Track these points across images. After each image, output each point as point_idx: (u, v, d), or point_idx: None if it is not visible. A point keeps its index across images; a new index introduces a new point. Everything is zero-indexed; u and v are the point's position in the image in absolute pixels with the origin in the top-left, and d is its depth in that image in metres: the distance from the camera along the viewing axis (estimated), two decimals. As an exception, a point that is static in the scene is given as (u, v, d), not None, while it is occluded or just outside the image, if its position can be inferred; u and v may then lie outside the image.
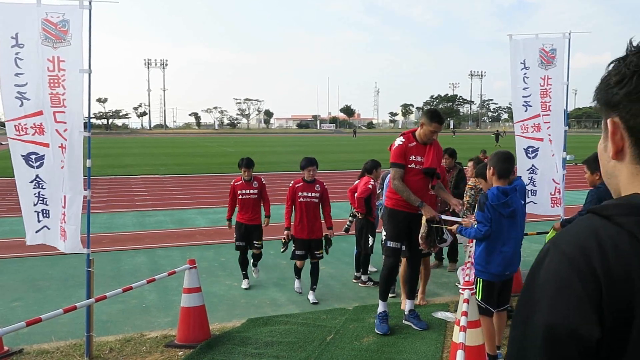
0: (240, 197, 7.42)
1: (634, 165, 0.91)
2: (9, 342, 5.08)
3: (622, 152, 0.92)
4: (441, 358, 4.77)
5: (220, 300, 6.74)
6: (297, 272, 7.14)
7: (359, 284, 7.38)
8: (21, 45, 4.51)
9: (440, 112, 5.57)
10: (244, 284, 7.37)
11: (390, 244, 5.48)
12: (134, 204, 14.84)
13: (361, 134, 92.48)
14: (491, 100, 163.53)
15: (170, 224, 12.03)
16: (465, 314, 3.72)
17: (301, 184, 6.90)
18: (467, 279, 4.63)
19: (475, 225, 4.50)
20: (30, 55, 4.50)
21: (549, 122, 6.15)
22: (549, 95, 6.11)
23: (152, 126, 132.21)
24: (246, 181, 7.49)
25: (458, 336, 3.51)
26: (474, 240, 4.73)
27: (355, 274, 7.60)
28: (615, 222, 0.84)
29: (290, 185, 6.98)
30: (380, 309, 5.50)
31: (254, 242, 7.45)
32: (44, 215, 4.72)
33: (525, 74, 6.14)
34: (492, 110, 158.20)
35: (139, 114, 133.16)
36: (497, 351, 4.58)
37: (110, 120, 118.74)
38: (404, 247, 5.61)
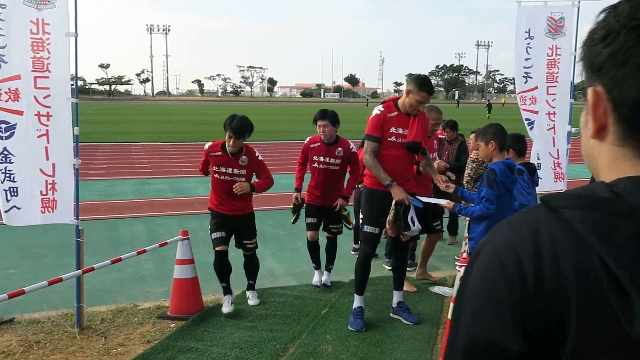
0: (216, 176, 5.03)
1: (616, 147, 0.72)
2: (2, 310, 5.04)
3: (605, 130, 0.73)
4: (437, 334, 4.72)
5: (217, 270, 6.69)
6: (313, 250, 5.79)
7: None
8: (3, 6, 4.32)
9: (431, 81, 4.70)
10: (226, 305, 5.01)
11: (367, 228, 4.71)
12: (134, 171, 14.76)
13: (371, 103, 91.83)
14: (497, 71, 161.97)
15: (169, 192, 11.96)
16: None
17: (317, 144, 5.52)
18: (464, 255, 4.53)
19: (481, 204, 4.31)
20: (11, 17, 4.31)
21: (554, 94, 5.97)
22: (557, 65, 5.90)
23: (154, 93, 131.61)
24: (231, 154, 4.93)
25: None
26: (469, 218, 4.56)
27: (354, 245, 7.53)
28: (562, 217, 0.69)
29: (306, 141, 5.66)
30: (355, 304, 4.81)
31: (244, 241, 5.20)
32: (12, 193, 4.46)
33: (529, 43, 5.92)
34: (497, 81, 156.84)
35: (141, 80, 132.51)
36: None
37: (113, 87, 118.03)
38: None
